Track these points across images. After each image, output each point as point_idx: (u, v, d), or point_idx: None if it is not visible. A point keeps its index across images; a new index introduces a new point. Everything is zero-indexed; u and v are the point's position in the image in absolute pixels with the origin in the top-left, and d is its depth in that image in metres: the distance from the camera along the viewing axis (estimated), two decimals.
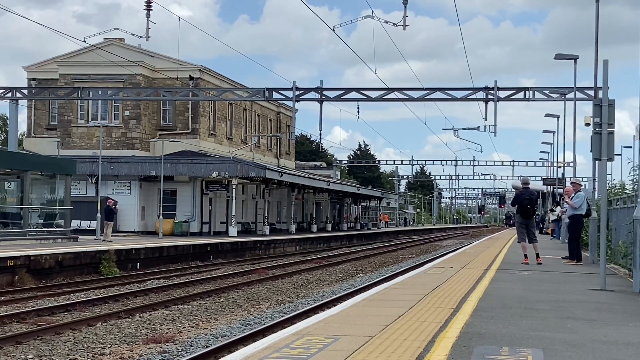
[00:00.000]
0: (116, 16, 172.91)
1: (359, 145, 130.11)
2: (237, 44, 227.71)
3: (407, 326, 8.91)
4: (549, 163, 63.16)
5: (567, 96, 35.23)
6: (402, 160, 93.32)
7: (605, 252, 14.80)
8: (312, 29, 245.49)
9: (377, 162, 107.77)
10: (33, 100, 52.62)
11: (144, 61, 51.79)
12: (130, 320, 16.57)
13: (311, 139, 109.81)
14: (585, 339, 8.26)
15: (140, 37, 36.33)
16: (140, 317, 17.08)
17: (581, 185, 21.90)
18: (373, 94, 36.93)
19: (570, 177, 43.35)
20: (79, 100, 48.34)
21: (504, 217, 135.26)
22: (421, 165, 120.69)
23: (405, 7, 32.91)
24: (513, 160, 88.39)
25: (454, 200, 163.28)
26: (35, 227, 32.48)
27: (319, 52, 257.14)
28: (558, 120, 49.00)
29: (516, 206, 20.44)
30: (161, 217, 43.89)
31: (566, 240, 24.96)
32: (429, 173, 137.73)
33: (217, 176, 46.72)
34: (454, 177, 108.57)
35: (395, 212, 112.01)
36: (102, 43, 49.90)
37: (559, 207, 40.65)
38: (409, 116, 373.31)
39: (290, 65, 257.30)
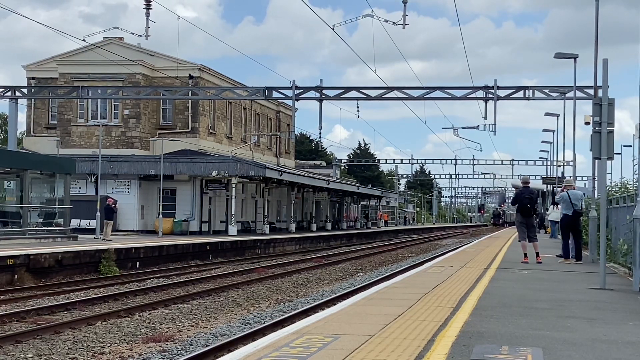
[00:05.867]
0: (123, 16, 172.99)
1: (359, 144, 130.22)
2: (240, 44, 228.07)
3: (407, 325, 8.91)
4: (549, 162, 63.16)
5: (567, 95, 35.19)
6: (401, 159, 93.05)
7: (605, 251, 14.80)
8: (314, 30, 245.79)
9: (377, 161, 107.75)
10: (33, 99, 52.60)
11: (144, 60, 51.74)
12: (129, 319, 16.57)
13: (311, 138, 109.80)
14: (585, 338, 8.26)
15: (140, 36, 36.31)
16: (139, 316, 17.07)
17: (571, 185, 21.90)
18: (373, 93, 36.87)
19: (567, 176, 43.41)
20: (78, 99, 48.30)
21: (492, 215, 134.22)
22: (421, 164, 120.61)
23: (404, 5, 32.88)
24: (513, 159, 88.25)
25: (453, 199, 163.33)
26: (34, 226, 32.47)
27: (320, 52, 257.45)
28: (558, 119, 49.01)
29: (516, 205, 20.45)
30: (161, 216, 43.89)
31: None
32: (429, 172, 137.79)
33: (216, 175, 46.72)
34: (453, 176, 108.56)
35: (395, 211, 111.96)
36: (102, 42, 49.88)
37: (551, 207, 40.70)
38: (409, 115, 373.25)
39: (292, 66, 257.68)
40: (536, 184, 57.73)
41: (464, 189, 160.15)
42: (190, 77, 52.12)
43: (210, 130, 55.40)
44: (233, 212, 47.06)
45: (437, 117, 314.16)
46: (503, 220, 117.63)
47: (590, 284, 14.44)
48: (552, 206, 40.47)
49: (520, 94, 35.47)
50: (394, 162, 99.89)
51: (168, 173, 45.84)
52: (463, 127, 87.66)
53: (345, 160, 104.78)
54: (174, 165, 46.19)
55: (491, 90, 35.23)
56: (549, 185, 53.93)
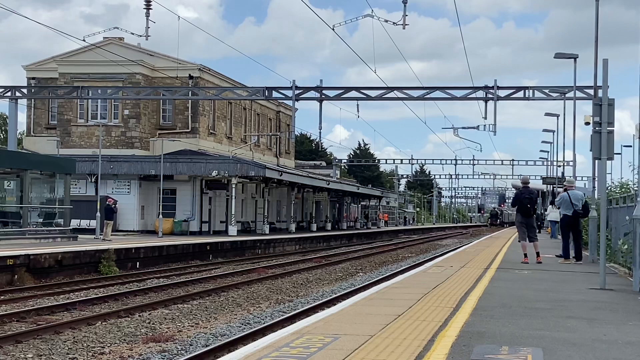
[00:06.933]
0: (124, 17, 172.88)
1: (359, 144, 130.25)
2: (241, 45, 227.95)
3: (407, 325, 8.91)
4: (549, 162, 63.15)
5: (567, 95, 35.18)
6: (401, 160, 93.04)
7: (605, 251, 14.80)
8: (314, 30, 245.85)
9: (376, 161, 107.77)
10: (33, 100, 52.61)
11: (144, 60, 51.75)
12: (129, 319, 16.57)
13: (311, 138, 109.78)
14: (585, 338, 8.26)
15: (140, 36, 36.32)
16: (139, 316, 17.07)
17: (572, 185, 21.92)
18: (373, 93, 36.87)
19: (568, 176, 43.40)
20: (78, 99, 48.30)
21: (488, 215, 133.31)
22: (421, 165, 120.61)
23: (405, 6, 32.89)
24: (513, 159, 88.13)
25: (453, 200, 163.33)
26: (34, 226, 32.46)
27: (321, 53, 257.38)
28: (558, 119, 48.99)
29: (516, 205, 20.45)
30: (161, 216, 43.89)
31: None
32: (429, 172, 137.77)
33: (216, 175, 46.72)
34: (453, 176, 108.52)
35: (395, 211, 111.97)
36: (102, 42, 49.89)
37: (550, 207, 40.77)
38: (409, 115, 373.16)
39: (293, 66, 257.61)
40: (536, 184, 57.75)
41: (464, 189, 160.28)
42: (190, 77, 52.14)
43: (210, 131, 55.41)
44: (233, 212, 47.06)
45: (437, 117, 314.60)
46: (501, 220, 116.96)
47: (590, 284, 14.44)
48: (550, 206, 40.57)
49: (520, 94, 35.46)
50: (394, 162, 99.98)
51: (168, 173, 45.84)
52: (463, 127, 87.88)
53: (345, 161, 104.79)
54: (174, 165, 46.19)
55: (491, 91, 35.22)
56: (549, 186, 53.96)
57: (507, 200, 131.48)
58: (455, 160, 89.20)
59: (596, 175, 23.41)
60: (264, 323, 15.48)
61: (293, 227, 57.56)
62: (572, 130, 43.29)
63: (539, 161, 78.17)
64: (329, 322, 9.18)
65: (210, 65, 75.31)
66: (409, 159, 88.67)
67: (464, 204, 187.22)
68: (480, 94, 35.68)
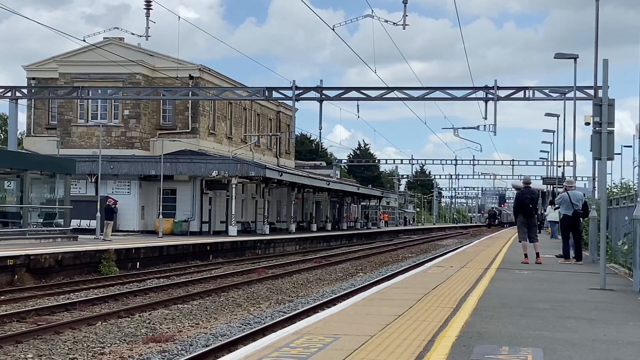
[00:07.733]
0: (125, 17, 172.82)
1: (359, 144, 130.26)
2: (241, 45, 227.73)
3: (407, 325, 8.91)
4: (549, 162, 63.18)
5: (567, 95, 35.20)
6: (401, 160, 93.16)
7: (605, 251, 14.80)
8: (315, 30, 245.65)
9: (377, 161, 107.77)
10: (33, 100, 52.61)
11: (144, 60, 51.74)
12: (130, 319, 16.57)
13: (311, 139, 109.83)
14: (585, 339, 8.26)
15: (140, 36, 36.35)
16: (140, 316, 17.08)
17: (572, 185, 21.94)
18: (373, 94, 36.88)
19: (568, 176, 43.44)
20: (78, 100, 48.31)
21: (487, 215, 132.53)
22: (421, 165, 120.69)
23: (405, 6, 32.92)
24: (513, 160, 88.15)
25: (453, 200, 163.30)
26: (35, 226, 32.45)
27: (321, 53, 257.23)
28: (558, 119, 49.06)
29: (518, 208, 20.44)
30: (161, 216, 43.88)
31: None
32: (429, 172, 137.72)
33: (216, 175, 46.71)
34: (453, 177, 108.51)
35: (395, 211, 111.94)
36: (102, 42, 49.89)
37: (549, 207, 40.81)
38: (409, 115, 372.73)
39: (293, 66, 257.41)
40: (536, 184, 57.74)
41: (464, 189, 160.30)
42: (191, 77, 52.14)
43: (211, 131, 55.41)
44: (233, 213, 47.05)
45: (438, 117, 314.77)
46: (500, 221, 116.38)
47: (590, 285, 14.44)
48: (549, 206, 40.62)
49: (521, 94, 35.47)
50: (394, 163, 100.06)
51: (168, 173, 45.84)
52: (463, 128, 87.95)
53: (345, 161, 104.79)
54: (174, 165, 46.20)
55: (491, 91, 35.24)
56: (549, 186, 53.97)
57: (507, 201, 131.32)
58: (455, 160, 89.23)
59: (596, 175, 23.41)
60: (264, 323, 15.48)
61: (293, 227, 57.56)
62: (572, 130, 43.32)
63: (539, 161, 78.24)
64: (329, 322, 9.18)
65: (211, 65, 75.35)
66: (409, 159, 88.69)
67: (464, 204, 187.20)
68: (480, 94, 35.71)
